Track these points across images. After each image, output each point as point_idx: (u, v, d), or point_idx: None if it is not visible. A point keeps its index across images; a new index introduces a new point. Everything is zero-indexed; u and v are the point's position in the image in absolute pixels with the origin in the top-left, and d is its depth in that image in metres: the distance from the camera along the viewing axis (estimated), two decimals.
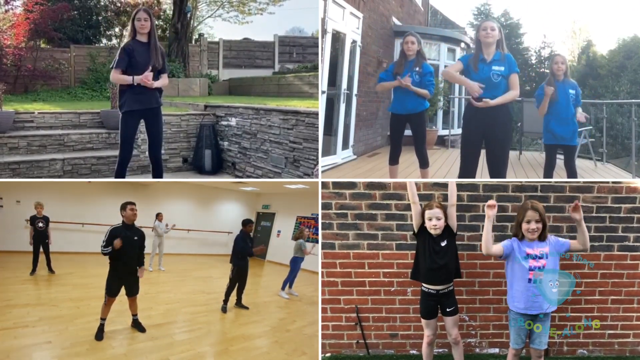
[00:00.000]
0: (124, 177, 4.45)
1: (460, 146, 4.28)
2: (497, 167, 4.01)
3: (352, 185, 3.84)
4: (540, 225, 3.20)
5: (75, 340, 4.10)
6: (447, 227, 3.42)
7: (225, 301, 5.90)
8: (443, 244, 3.38)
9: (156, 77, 4.32)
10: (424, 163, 4.78)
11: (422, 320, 3.55)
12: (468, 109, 4.18)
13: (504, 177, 3.98)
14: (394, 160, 4.87)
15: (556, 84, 4.53)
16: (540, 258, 3.24)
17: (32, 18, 10.04)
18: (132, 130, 4.33)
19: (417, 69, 4.56)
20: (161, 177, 4.54)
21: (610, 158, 8.51)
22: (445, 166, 7.21)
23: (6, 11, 10.51)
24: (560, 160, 4.81)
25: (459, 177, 4.10)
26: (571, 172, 4.62)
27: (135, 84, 4.10)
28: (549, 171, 4.70)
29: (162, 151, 6.75)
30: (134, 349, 4.12)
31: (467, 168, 4.09)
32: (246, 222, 6.03)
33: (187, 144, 7.09)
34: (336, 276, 3.97)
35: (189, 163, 7.11)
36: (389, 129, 9.34)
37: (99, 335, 4.19)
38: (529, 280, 3.24)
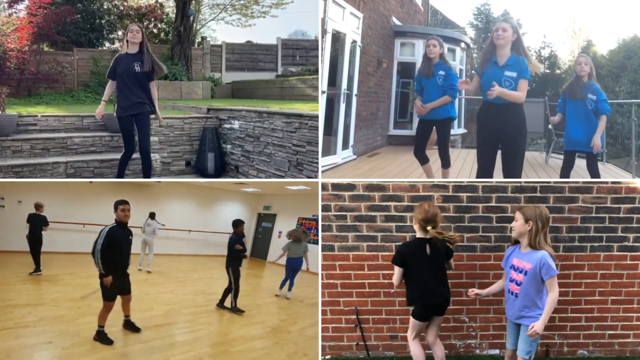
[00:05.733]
0: (124, 171, 5.14)
1: (476, 146, 4.33)
2: (512, 167, 4.03)
3: (351, 187, 3.85)
4: (516, 224, 3.15)
5: (75, 341, 4.12)
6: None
7: (222, 300, 5.87)
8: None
9: (146, 82, 4.98)
10: (446, 163, 5.07)
11: (412, 320, 3.45)
12: (482, 110, 4.21)
13: (519, 177, 3.98)
14: (424, 160, 5.11)
15: (579, 87, 4.46)
16: (520, 272, 3.17)
17: (36, 21, 10.08)
18: (128, 129, 5.02)
19: (442, 72, 4.82)
20: (149, 169, 5.18)
21: (610, 158, 8.51)
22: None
23: (10, 15, 10.56)
24: (577, 160, 4.79)
25: (477, 177, 4.12)
26: (594, 175, 4.56)
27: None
28: (565, 173, 4.68)
29: (165, 154, 6.85)
30: (135, 350, 4.13)
31: (485, 168, 4.12)
32: (236, 223, 5.98)
33: (190, 147, 7.11)
34: (336, 278, 3.97)
35: (191, 166, 7.13)
36: (389, 129, 9.52)
37: (107, 340, 4.12)
38: (508, 290, 3.26)
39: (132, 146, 5.07)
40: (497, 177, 3.99)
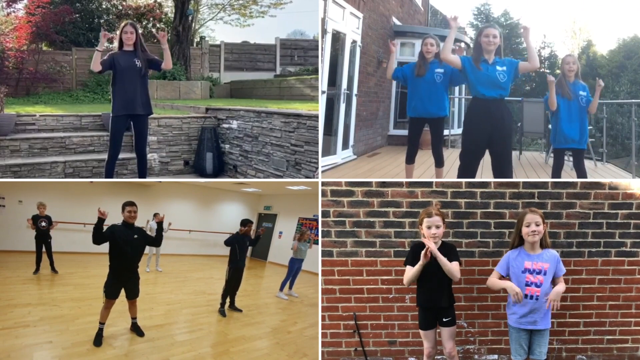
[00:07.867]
0: (112, 173, 5.01)
1: (461, 145, 4.28)
2: (503, 167, 4.05)
3: (350, 192, 3.85)
4: (541, 229, 3.20)
5: (76, 340, 4.12)
6: (444, 245, 3.34)
7: (222, 304, 5.86)
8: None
9: (145, 79, 4.91)
10: (439, 162, 5.03)
11: (420, 331, 3.49)
12: (471, 108, 4.20)
13: (510, 177, 4.00)
14: (410, 159, 5.06)
15: (567, 84, 4.50)
16: (539, 274, 3.21)
17: (34, 21, 10.09)
18: (120, 131, 4.93)
19: (441, 70, 4.78)
20: (145, 171, 5.15)
21: (610, 158, 8.53)
22: (445, 166, 7.21)
23: (8, 14, 10.55)
24: (568, 162, 4.81)
25: (458, 177, 4.11)
26: (581, 173, 4.59)
27: (101, 49, 4.73)
28: (557, 173, 4.71)
29: (164, 154, 6.86)
30: (135, 350, 4.14)
31: (468, 168, 4.11)
32: (243, 223, 5.91)
33: (188, 147, 7.11)
34: (334, 284, 3.97)
35: (190, 166, 7.14)
36: (389, 129, 9.51)
37: (98, 340, 4.12)
38: (525, 295, 3.23)
39: (120, 148, 5.00)
40: (488, 179, 3.98)
